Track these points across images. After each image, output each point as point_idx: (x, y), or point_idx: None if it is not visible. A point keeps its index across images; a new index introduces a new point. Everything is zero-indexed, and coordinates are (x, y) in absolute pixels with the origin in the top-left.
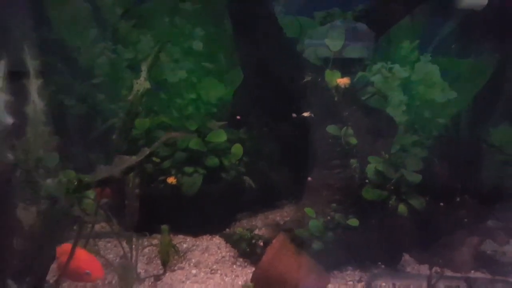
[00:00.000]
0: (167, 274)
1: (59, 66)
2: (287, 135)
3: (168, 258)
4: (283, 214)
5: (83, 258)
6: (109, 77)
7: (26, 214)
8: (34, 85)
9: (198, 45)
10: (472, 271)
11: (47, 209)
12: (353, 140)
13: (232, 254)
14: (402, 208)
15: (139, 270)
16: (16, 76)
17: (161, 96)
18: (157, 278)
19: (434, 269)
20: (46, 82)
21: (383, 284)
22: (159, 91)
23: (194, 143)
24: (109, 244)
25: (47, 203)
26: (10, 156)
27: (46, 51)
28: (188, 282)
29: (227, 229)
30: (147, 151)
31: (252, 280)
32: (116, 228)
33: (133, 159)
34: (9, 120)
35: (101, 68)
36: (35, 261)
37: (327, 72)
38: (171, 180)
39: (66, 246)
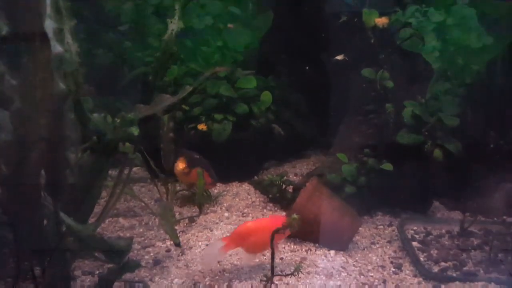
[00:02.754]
0: (200, 216)
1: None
2: (317, 82)
3: (203, 200)
4: (310, 164)
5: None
6: (135, 24)
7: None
8: (68, 27)
9: None
10: (504, 217)
11: (95, 143)
12: (390, 84)
13: (261, 199)
14: (437, 152)
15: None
16: None
17: (187, 43)
18: (192, 219)
19: (466, 214)
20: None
21: (415, 228)
22: (185, 37)
23: (224, 88)
24: (143, 189)
25: (95, 138)
26: (62, 86)
27: None
28: (221, 223)
29: (255, 177)
30: (189, 88)
31: None
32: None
33: (174, 97)
34: (59, 48)
35: (127, 14)
36: (82, 197)
37: (365, 12)
38: (202, 126)
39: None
